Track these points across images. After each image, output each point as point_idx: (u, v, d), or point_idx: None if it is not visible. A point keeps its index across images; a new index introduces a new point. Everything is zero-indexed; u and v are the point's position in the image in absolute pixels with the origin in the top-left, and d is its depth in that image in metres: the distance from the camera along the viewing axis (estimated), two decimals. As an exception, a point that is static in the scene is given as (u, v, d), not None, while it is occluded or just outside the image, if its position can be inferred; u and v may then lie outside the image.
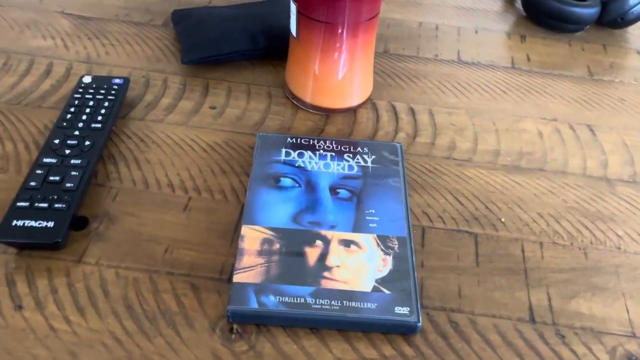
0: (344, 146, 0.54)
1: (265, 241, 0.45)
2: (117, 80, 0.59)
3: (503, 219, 0.51)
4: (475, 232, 0.49)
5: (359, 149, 0.54)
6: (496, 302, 0.44)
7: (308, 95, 0.59)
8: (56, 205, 0.45)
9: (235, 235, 0.47)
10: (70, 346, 0.39)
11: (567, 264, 0.47)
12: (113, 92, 0.57)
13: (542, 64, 0.70)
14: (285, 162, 0.52)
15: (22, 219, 0.44)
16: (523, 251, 0.48)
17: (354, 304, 0.41)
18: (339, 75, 0.58)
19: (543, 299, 0.45)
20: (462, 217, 0.50)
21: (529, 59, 0.71)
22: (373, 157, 0.53)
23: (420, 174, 0.54)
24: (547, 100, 0.65)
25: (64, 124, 0.53)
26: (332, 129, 0.58)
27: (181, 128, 0.57)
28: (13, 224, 0.44)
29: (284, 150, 0.53)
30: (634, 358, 0.41)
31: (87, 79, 0.58)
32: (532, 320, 0.43)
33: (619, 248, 0.49)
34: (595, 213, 0.52)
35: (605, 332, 0.43)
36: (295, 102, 0.61)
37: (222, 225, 0.48)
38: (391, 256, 0.45)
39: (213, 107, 0.60)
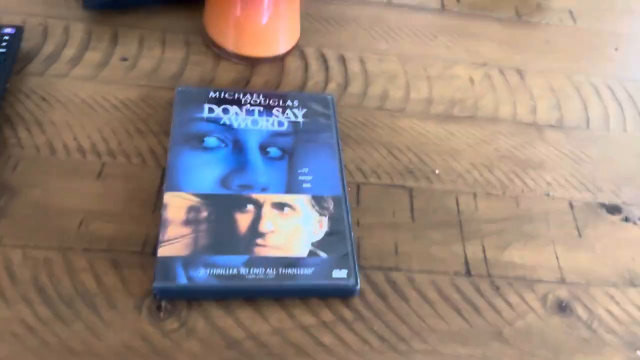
0: (272, 100, 0.50)
1: (192, 209, 0.41)
2: (8, 30, 0.51)
3: (437, 171, 0.50)
4: (410, 186, 0.48)
5: (288, 102, 0.50)
6: (433, 258, 0.44)
7: (230, 43, 0.54)
8: (-56, 181, 0.40)
9: (157, 203, 0.43)
10: (-26, 340, 0.35)
11: (500, 213, 0.48)
12: (4, 44, 0.50)
13: (472, 6, 0.68)
14: (208, 120, 0.47)
15: None
16: (457, 203, 0.48)
17: (289, 270, 0.39)
18: (264, 19, 0.53)
19: (478, 251, 0.45)
20: (397, 171, 0.49)
21: (458, 0, 0.69)
22: (304, 110, 0.50)
23: (353, 127, 0.52)
24: (477, 44, 0.63)
25: (-54, 83, 0.46)
26: (259, 80, 0.54)
27: (89, 84, 0.51)
28: None
29: (206, 106, 0.48)
30: (564, 304, 0.42)
31: (-30, 29, 0.50)
32: (468, 273, 0.43)
33: (548, 194, 0.50)
34: (526, 160, 0.52)
35: (536, 280, 0.44)
36: (217, 51, 0.56)
37: (142, 192, 0.44)
38: (327, 217, 0.43)
39: (124, 59, 0.54)
